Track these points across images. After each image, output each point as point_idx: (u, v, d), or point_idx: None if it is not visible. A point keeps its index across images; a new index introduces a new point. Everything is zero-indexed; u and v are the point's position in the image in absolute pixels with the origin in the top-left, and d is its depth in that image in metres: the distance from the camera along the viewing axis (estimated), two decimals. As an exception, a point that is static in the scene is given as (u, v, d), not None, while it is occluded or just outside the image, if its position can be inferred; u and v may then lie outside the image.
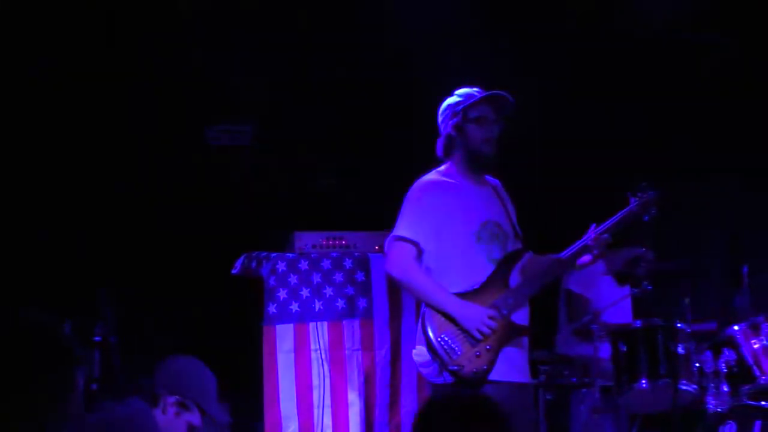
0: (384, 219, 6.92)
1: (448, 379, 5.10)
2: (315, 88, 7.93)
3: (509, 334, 5.20)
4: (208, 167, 8.04)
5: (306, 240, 6.79)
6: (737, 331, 6.47)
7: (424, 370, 5.27)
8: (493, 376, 5.14)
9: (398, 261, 5.29)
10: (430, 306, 5.19)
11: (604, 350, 6.40)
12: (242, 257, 6.70)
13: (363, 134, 8.08)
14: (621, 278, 6.90)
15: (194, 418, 4.41)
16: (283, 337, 6.55)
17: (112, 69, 7.43)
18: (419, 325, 5.27)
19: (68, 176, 7.52)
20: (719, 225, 7.73)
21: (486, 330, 5.11)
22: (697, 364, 6.36)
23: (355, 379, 6.63)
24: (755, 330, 6.48)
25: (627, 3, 7.35)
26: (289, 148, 8.04)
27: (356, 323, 6.69)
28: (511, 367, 5.22)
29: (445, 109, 5.44)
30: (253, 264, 6.67)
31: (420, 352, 5.22)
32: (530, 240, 5.55)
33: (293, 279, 6.64)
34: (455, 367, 5.07)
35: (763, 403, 6.38)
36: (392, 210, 5.81)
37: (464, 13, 7.48)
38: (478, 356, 5.11)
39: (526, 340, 5.36)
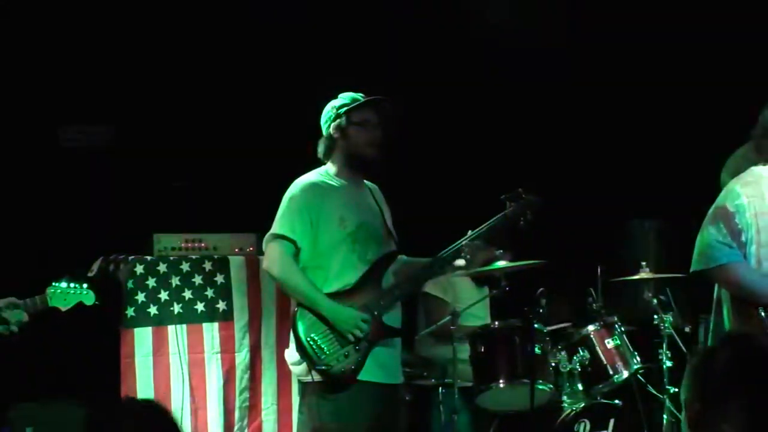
0: (244, 220, 6.91)
1: (317, 378, 5.16)
2: (173, 88, 7.85)
3: (380, 335, 5.28)
4: (64, 169, 7.89)
5: (165, 242, 6.72)
6: (592, 331, 6.61)
7: (294, 369, 5.32)
8: (363, 376, 5.21)
9: (276, 258, 5.34)
10: (303, 305, 5.23)
11: (463, 351, 6.47)
12: (99, 260, 6.60)
13: (224, 135, 8.02)
14: (479, 279, 6.98)
15: None
16: (142, 340, 6.47)
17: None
18: (290, 324, 5.31)
19: None
20: (575, 226, 7.87)
21: (359, 333, 5.19)
22: (553, 364, 6.49)
23: (214, 382, 6.59)
24: (609, 330, 6.63)
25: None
26: (147, 149, 7.93)
27: (216, 326, 6.64)
28: (381, 368, 5.29)
29: (328, 111, 5.47)
30: (111, 267, 6.58)
31: (291, 352, 5.27)
32: (404, 243, 5.62)
33: (151, 282, 6.56)
34: (322, 367, 5.13)
35: (616, 401, 6.54)
36: (252, 212, 5.77)
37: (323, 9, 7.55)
38: (346, 356, 5.19)
39: (398, 342, 5.45)
